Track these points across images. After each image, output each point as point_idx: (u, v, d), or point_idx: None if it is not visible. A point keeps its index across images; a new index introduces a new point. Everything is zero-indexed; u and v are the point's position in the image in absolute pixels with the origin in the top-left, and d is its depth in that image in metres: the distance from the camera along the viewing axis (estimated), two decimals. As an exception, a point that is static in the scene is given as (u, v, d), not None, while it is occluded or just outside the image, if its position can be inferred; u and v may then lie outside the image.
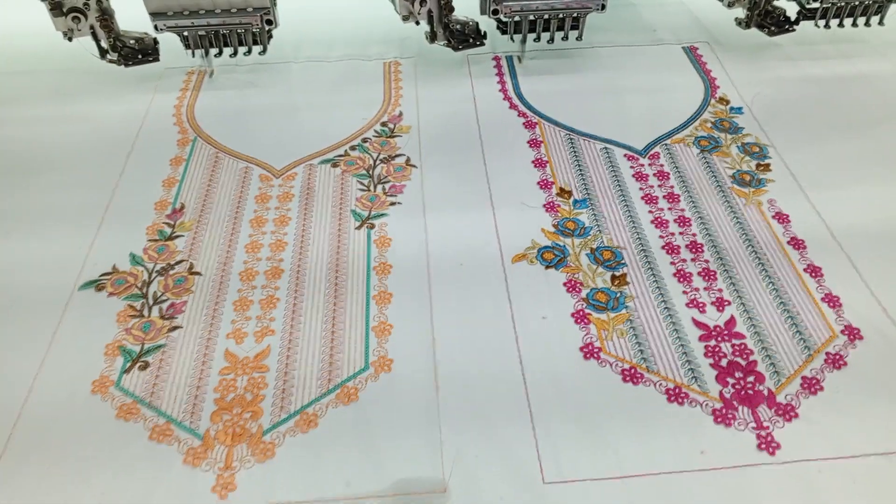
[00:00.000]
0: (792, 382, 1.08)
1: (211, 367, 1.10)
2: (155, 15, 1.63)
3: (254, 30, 1.68)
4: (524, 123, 1.63)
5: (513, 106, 1.69)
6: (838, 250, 1.29)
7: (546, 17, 1.72)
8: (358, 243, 1.31)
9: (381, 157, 1.52)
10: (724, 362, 1.10)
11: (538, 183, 1.45)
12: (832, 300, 1.20)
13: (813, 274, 1.24)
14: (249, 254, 1.29)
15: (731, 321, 1.17)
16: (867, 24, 1.85)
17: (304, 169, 1.49)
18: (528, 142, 1.57)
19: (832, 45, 1.89)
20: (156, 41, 1.71)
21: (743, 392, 1.06)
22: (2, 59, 1.87)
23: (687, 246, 1.30)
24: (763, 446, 0.99)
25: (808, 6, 1.82)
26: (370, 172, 1.47)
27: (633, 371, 1.09)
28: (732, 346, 1.13)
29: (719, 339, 1.14)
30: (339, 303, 1.20)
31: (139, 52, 1.70)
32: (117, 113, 1.66)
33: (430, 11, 1.69)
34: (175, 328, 1.16)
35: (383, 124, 1.62)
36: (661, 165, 1.49)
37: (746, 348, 1.12)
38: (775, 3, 1.83)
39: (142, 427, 1.02)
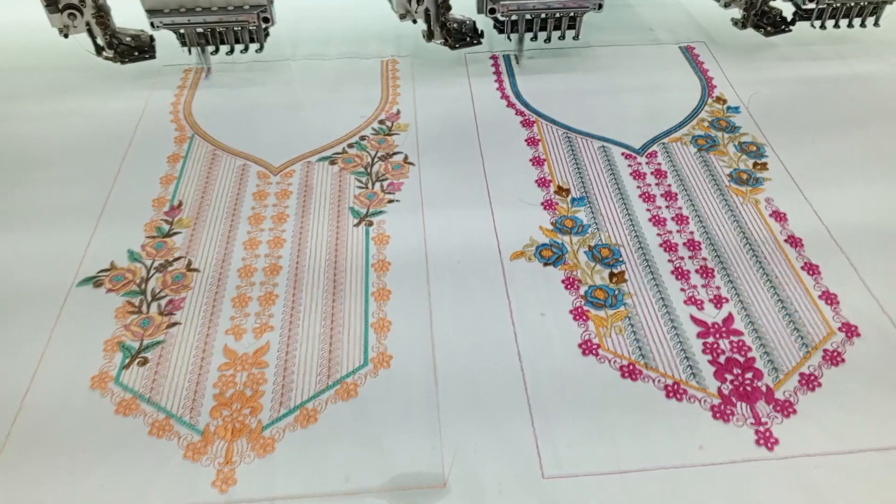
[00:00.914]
0: (790, 379, 1.08)
1: (210, 362, 1.10)
2: (151, 12, 1.63)
3: (251, 27, 1.68)
4: (522, 122, 1.63)
5: (510, 104, 1.69)
6: (835, 248, 1.29)
7: (543, 16, 1.73)
8: (356, 240, 1.31)
9: (379, 154, 1.52)
10: (722, 359, 1.11)
11: (536, 181, 1.45)
12: (829, 297, 1.20)
13: (810, 272, 1.25)
14: (248, 251, 1.29)
15: (729, 318, 1.17)
16: (862, 24, 1.86)
17: (302, 166, 1.49)
18: (526, 140, 1.57)
19: (828, 46, 1.90)
20: (152, 38, 1.71)
21: (741, 388, 1.07)
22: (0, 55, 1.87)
23: (685, 244, 1.31)
24: (761, 442, 1.00)
25: (804, 7, 1.83)
26: (368, 170, 1.47)
27: (631, 367, 1.10)
28: (730, 342, 1.13)
29: (717, 335, 1.14)
30: (337, 299, 1.20)
31: (135, 49, 1.70)
32: (115, 110, 1.66)
33: (427, 10, 1.69)
34: (174, 324, 1.16)
35: (381, 122, 1.62)
36: (659, 164, 1.49)
37: (744, 345, 1.13)
38: (772, 3, 1.84)
39: (141, 422, 1.02)
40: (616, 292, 1.21)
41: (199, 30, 1.68)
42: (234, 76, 1.80)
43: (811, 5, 1.82)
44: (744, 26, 1.85)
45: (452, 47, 1.75)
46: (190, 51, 1.73)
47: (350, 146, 1.54)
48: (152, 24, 1.64)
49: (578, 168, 1.48)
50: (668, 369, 1.09)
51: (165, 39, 1.71)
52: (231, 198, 1.41)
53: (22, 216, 1.37)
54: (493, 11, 1.70)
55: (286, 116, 1.66)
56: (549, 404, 1.05)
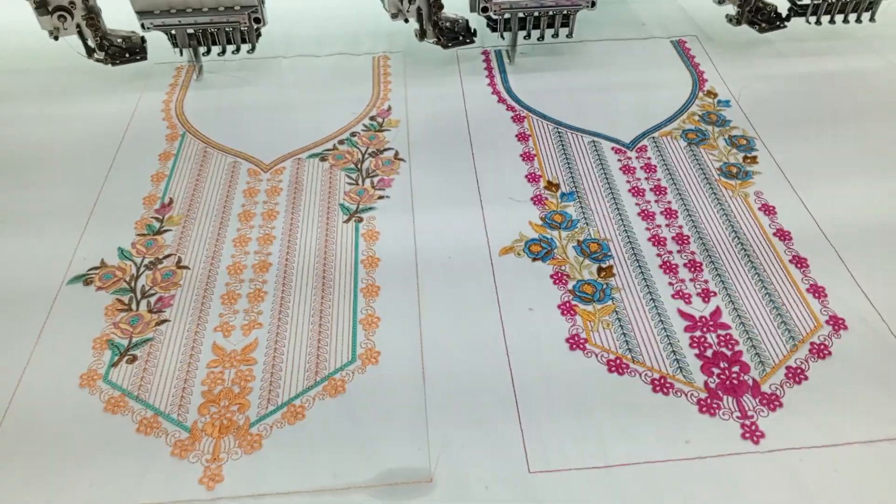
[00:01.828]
0: (777, 372, 1.08)
1: (198, 360, 1.10)
2: (142, 13, 1.62)
3: (242, 28, 1.68)
4: (512, 117, 1.63)
5: (501, 100, 1.69)
6: (824, 242, 1.29)
7: (536, 14, 1.72)
8: (346, 237, 1.31)
9: (370, 151, 1.52)
10: (709, 353, 1.11)
11: (526, 176, 1.45)
12: (817, 291, 1.21)
13: (798, 265, 1.25)
14: (237, 248, 1.29)
15: (716, 312, 1.17)
16: (858, 20, 1.85)
17: (293, 163, 1.49)
18: (517, 135, 1.57)
19: (823, 42, 1.90)
20: (143, 40, 1.71)
21: (728, 382, 1.07)
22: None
23: (673, 238, 1.31)
24: (747, 435, 1.00)
25: (799, 2, 1.82)
26: (359, 166, 1.48)
27: (618, 361, 1.10)
28: (718, 336, 1.14)
29: (705, 329, 1.15)
30: (326, 296, 1.20)
31: (126, 50, 1.69)
32: (106, 109, 1.66)
33: (419, 9, 1.69)
34: (163, 322, 1.16)
35: (372, 118, 1.62)
36: (649, 158, 1.49)
37: (732, 339, 1.13)
38: (766, -1, 1.84)
39: (129, 420, 1.03)
40: (604, 287, 1.22)
41: (190, 31, 1.67)
42: (226, 74, 1.80)
43: (806, 1, 1.81)
44: (738, 23, 1.85)
45: (445, 46, 1.75)
46: (181, 52, 1.73)
47: (341, 142, 1.54)
48: (143, 26, 1.64)
49: (568, 163, 1.48)
50: (655, 363, 1.10)
51: (158, 36, 1.71)
52: (221, 195, 1.41)
53: (12, 216, 1.37)
54: (485, 10, 1.70)
55: (277, 114, 1.66)
56: (537, 399, 1.05)
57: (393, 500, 0.94)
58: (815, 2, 1.80)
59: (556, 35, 1.78)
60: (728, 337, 1.13)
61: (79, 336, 1.14)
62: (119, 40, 1.68)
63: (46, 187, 1.44)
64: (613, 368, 1.09)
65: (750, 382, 1.07)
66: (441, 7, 1.69)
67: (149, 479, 0.96)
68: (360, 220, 1.35)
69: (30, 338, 1.14)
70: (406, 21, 1.72)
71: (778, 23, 1.84)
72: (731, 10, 1.85)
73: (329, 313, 1.17)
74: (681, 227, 1.33)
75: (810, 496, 0.93)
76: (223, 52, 1.72)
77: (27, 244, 1.31)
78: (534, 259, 1.27)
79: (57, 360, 1.11)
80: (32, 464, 0.98)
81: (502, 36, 1.78)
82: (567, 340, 1.13)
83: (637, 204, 1.38)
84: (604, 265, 1.26)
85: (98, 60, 1.68)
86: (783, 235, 1.31)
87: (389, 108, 1.66)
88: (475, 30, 1.78)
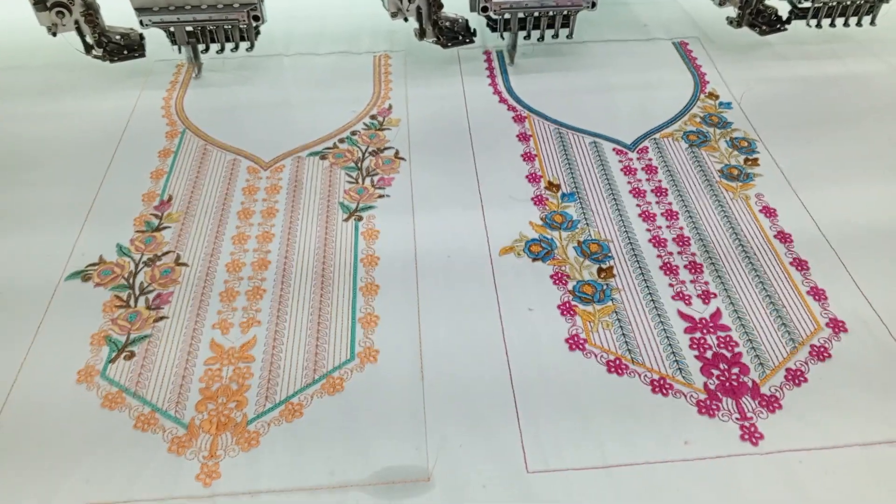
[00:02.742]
0: (776, 374, 1.08)
1: (196, 357, 1.10)
2: (140, 10, 1.62)
3: (241, 25, 1.67)
4: (513, 118, 1.63)
5: (502, 100, 1.69)
6: (825, 244, 1.29)
7: (536, 14, 1.72)
8: (345, 235, 1.31)
9: (370, 149, 1.52)
10: (709, 354, 1.11)
11: (526, 177, 1.45)
12: (818, 293, 1.20)
13: (799, 267, 1.25)
14: (236, 245, 1.29)
15: (716, 313, 1.17)
16: (858, 23, 1.85)
17: (293, 161, 1.49)
18: (517, 136, 1.57)
19: (823, 45, 1.90)
20: (142, 37, 1.70)
21: (727, 383, 1.07)
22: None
23: (674, 239, 1.30)
24: (746, 437, 1.00)
25: (799, 5, 1.82)
26: (359, 165, 1.47)
27: (617, 362, 1.10)
28: (717, 338, 1.13)
29: (704, 331, 1.14)
30: (325, 294, 1.20)
31: (125, 47, 1.69)
32: (105, 106, 1.66)
33: (418, 8, 1.69)
34: (161, 318, 1.16)
35: (372, 117, 1.62)
36: (650, 160, 1.49)
37: (731, 340, 1.13)
38: (767, 2, 1.83)
39: (127, 416, 1.02)
40: (604, 287, 1.21)
41: (189, 28, 1.67)
42: (227, 72, 1.80)
43: (807, 4, 1.81)
44: (739, 25, 1.84)
45: (445, 46, 1.74)
46: (180, 49, 1.72)
47: (341, 141, 1.54)
48: (141, 23, 1.64)
49: (569, 164, 1.48)
50: (655, 364, 1.09)
51: (158, 34, 1.70)
52: (221, 192, 1.41)
53: (11, 213, 1.37)
54: (485, 10, 1.69)
55: (277, 112, 1.66)
56: (535, 399, 1.05)
57: (391, 499, 0.93)
58: (816, 5, 1.80)
59: (556, 36, 1.77)
60: (728, 339, 1.13)
61: (76, 332, 1.14)
62: (117, 37, 1.68)
63: (45, 184, 1.43)
64: (613, 369, 1.09)
65: (749, 384, 1.06)
66: (440, 6, 1.69)
67: (146, 475, 0.95)
68: (360, 218, 1.35)
69: (27, 333, 1.14)
70: (406, 20, 1.72)
71: (778, 25, 1.84)
72: (732, 12, 1.85)
73: (328, 311, 1.17)
74: (681, 228, 1.33)
75: (809, 498, 0.93)
76: (222, 49, 1.72)
77: (26, 240, 1.30)
78: (534, 259, 1.27)
79: (54, 356, 1.10)
80: (29, 459, 0.97)
81: (502, 36, 1.78)
82: (566, 341, 1.13)
83: (638, 205, 1.38)
84: (604, 266, 1.25)
85: (96, 57, 1.68)
86: (784, 238, 1.30)
87: (390, 106, 1.66)
88: (475, 29, 1.78)
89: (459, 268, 1.25)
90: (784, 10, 1.84)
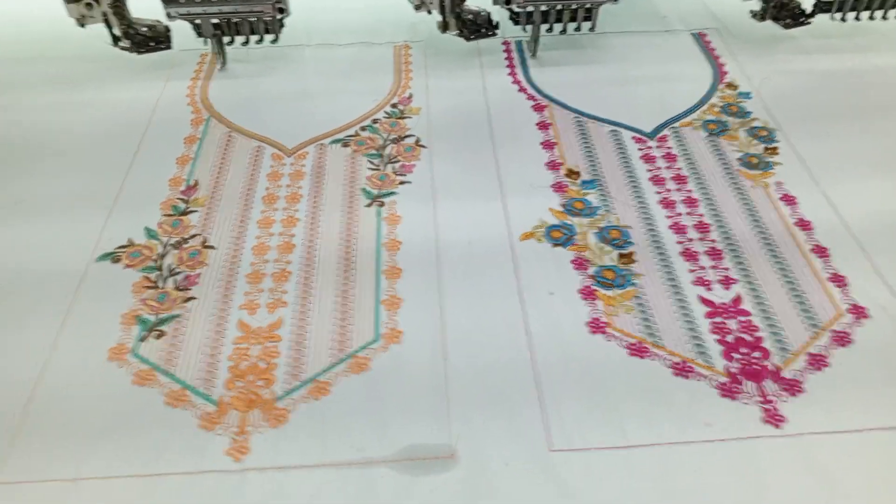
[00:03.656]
0: (798, 359, 1.09)
1: (225, 336, 1.12)
2: (167, 2, 1.64)
3: (266, 18, 1.69)
4: (533, 107, 1.64)
5: (522, 89, 1.70)
6: (845, 232, 1.30)
7: (559, 7, 1.73)
8: (368, 220, 1.33)
9: (392, 137, 1.54)
10: (730, 338, 1.12)
11: (546, 164, 1.46)
12: (838, 280, 1.21)
13: (819, 254, 1.26)
14: (262, 229, 1.31)
15: (737, 299, 1.18)
16: (884, 17, 1.84)
17: (316, 148, 1.51)
18: (537, 124, 1.58)
19: (847, 39, 1.88)
20: (168, 29, 1.72)
21: (749, 367, 1.08)
22: (18, 45, 1.89)
23: (694, 226, 1.31)
24: (768, 419, 1.01)
25: None
26: (380, 152, 1.49)
27: (639, 345, 1.11)
28: (739, 322, 1.14)
29: (726, 315, 1.15)
30: (349, 277, 1.21)
31: (151, 39, 1.71)
32: (132, 95, 1.69)
33: (442, 1, 1.70)
34: (189, 299, 1.18)
35: (393, 105, 1.64)
36: (670, 148, 1.50)
37: (752, 325, 1.14)
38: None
39: (157, 393, 1.05)
40: (625, 273, 1.23)
41: (215, 20, 1.68)
42: (249, 63, 1.82)
43: None
44: (762, 18, 1.83)
45: (468, 38, 1.75)
46: (205, 41, 1.74)
47: (363, 129, 1.56)
48: (168, 15, 1.66)
49: (589, 151, 1.49)
50: (676, 348, 1.10)
51: (183, 25, 1.72)
52: (246, 178, 1.43)
53: (42, 199, 1.39)
54: (508, 2, 1.70)
55: (300, 101, 1.68)
56: (557, 380, 1.06)
57: (415, 475, 0.95)
58: None
59: (578, 28, 1.78)
60: (749, 323, 1.14)
61: (107, 312, 1.16)
62: (144, 29, 1.70)
63: (74, 170, 1.46)
64: (634, 352, 1.10)
65: (771, 368, 1.07)
66: (464, -1, 1.70)
67: (176, 449, 0.98)
68: (382, 204, 1.36)
69: (60, 313, 1.16)
70: (429, 13, 1.73)
71: (803, 19, 1.83)
72: (756, 5, 1.84)
73: (352, 293, 1.19)
74: (701, 215, 1.34)
75: (829, 480, 0.94)
76: (247, 42, 1.74)
77: (57, 224, 1.33)
78: (554, 245, 1.28)
79: (86, 335, 1.13)
80: (63, 433, 1.00)
81: (524, 29, 1.79)
82: (588, 324, 1.14)
83: (658, 192, 1.39)
84: (624, 251, 1.26)
85: (123, 48, 1.70)
86: (804, 225, 1.31)
87: (411, 95, 1.67)
88: (497, 22, 1.78)
89: (480, 252, 1.27)
90: (808, 3, 1.84)
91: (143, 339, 1.12)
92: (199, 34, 1.72)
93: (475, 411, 1.02)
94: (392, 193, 1.39)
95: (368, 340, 1.11)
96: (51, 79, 1.76)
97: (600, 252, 1.26)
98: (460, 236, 1.30)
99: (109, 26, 1.66)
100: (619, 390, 1.05)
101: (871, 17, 1.84)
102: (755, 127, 1.55)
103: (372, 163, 1.46)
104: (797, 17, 1.83)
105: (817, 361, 1.08)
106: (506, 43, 1.89)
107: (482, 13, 1.75)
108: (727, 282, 1.21)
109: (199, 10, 1.65)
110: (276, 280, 1.21)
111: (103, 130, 1.57)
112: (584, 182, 1.41)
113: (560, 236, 1.29)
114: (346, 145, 1.51)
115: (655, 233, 1.30)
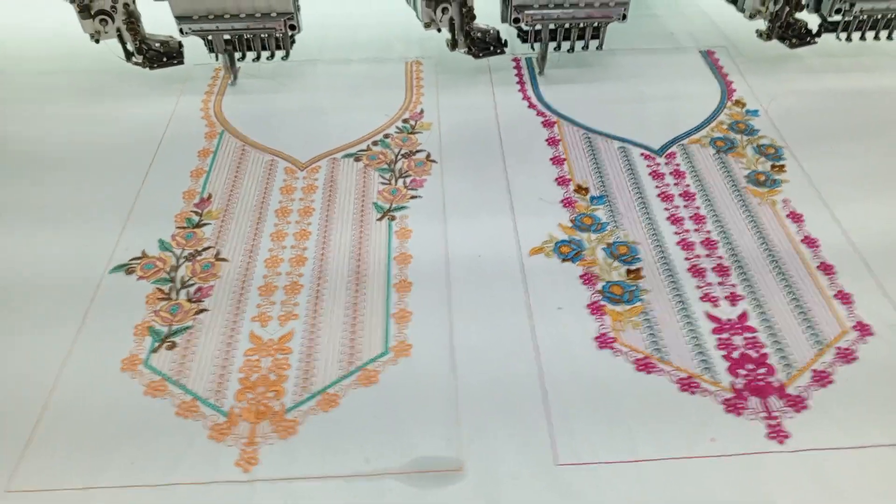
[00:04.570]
0: (803, 375, 1.10)
1: (236, 348, 1.14)
2: (180, 18, 1.66)
3: (277, 34, 1.72)
4: (542, 122, 1.66)
5: (531, 106, 1.72)
6: (851, 250, 1.31)
7: (567, 25, 1.75)
8: (379, 234, 1.35)
9: (403, 152, 1.56)
10: (735, 354, 1.13)
11: (556, 179, 1.48)
12: (844, 297, 1.22)
13: (825, 272, 1.26)
14: (275, 242, 1.33)
15: (743, 315, 1.19)
16: (889, 37, 1.85)
17: (328, 162, 1.53)
18: (547, 140, 1.60)
19: (853, 58, 1.90)
20: (181, 45, 1.75)
21: (754, 383, 1.08)
22: (36, 60, 1.92)
23: (702, 242, 1.32)
24: (773, 435, 1.02)
25: (830, 19, 1.83)
26: (392, 167, 1.51)
27: (646, 361, 1.12)
28: (745, 339, 1.15)
29: (732, 332, 1.16)
30: (360, 290, 1.23)
31: (164, 54, 1.73)
32: (146, 109, 1.71)
33: (451, 19, 1.72)
34: (202, 311, 1.20)
35: (405, 121, 1.66)
36: (678, 165, 1.51)
37: (758, 341, 1.15)
38: (797, 15, 1.83)
39: (169, 403, 1.06)
40: (633, 288, 1.24)
41: (227, 36, 1.71)
42: (262, 78, 1.84)
43: (837, 17, 1.81)
44: (768, 38, 1.85)
45: (476, 56, 1.77)
46: (217, 57, 1.77)
47: (374, 143, 1.58)
48: (181, 31, 1.68)
49: (598, 167, 1.51)
50: (683, 363, 1.11)
51: (196, 40, 1.75)
52: (259, 191, 1.45)
53: (58, 210, 1.42)
54: (517, 21, 1.72)
55: (312, 116, 1.70)
56: (565, 395, 1.07)
57: (424, 487, 0.96)
58: (846, 18, 1.80)
59: (585, 47, 1.80)
60: (755, 340, 1.15)
61: (120, 322, 1.18)
62: (157, 44, 1.72)
63: (89, 183, 1.48)
64: (642, 367, 1.11)
65: (776, 384, 1.08)
66: (473, 17, 1.72)
67: (187, 460, 0.99)
68: (393, 218, 1.38)
69: (74, 323, 1.18)
70: (439, 30, 1.75)
71: (808, 38, 1.85)
72: (762, 25, 1.85)
73: (362, 306, 1.20)
74: (709, 232, 1.35)
75: (834, 496, 0.94)
76: (258, 58, 1.76)
77: (71, 235, 1.35)
78: (563, 260, 1.29)
79: (99, 345, 1.15)
80: (76, 442, 1.01)
81: (532, 47, 1.81)
82: (596, 339, 1.15)
83: (666, 209, 1.40)
84: (632, 267, 1.28)
85: (136, 64, 1.73)
86: (810, 242, 1.32)
87: (422, 111, 1.69)
88: (506, 40, 1.80)
89: (490, 266, 1.28)
90: (814, 23, 1.85)
91: (155, 350, 1.13)
92: (211, 50, 1.74)
93: (483, 424, 1.03)
94: (403, 208, 1.41)
95: (378, 353, 1.13)
96: (69, 93, 1.79)
97: (608, 267, 1.28)
98: (470, 250, 1.32)
99: (123, 42, 1.69)
100: (626, 405, 1.06)
101: (877, 38, 1.85)
102: (763, 145, 1.57)
103: (383, 177, 1.48)
104: (803, 37, 1.84)
105: (822, 378, 1.09)
106: (515, 60, 1.91)
107: (491, 31, 1.77)
108: (734, 298, 1.22)
109: (211, 26, 1.68)
110: (288, 293, 1.23)
111: (119, 143, 1.60)
112: (593, 198, 1.43)
113: (569, 251, 1.31)
114: (357, 160, 1.53)
115: (663, 249, 1.31)
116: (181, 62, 1.76)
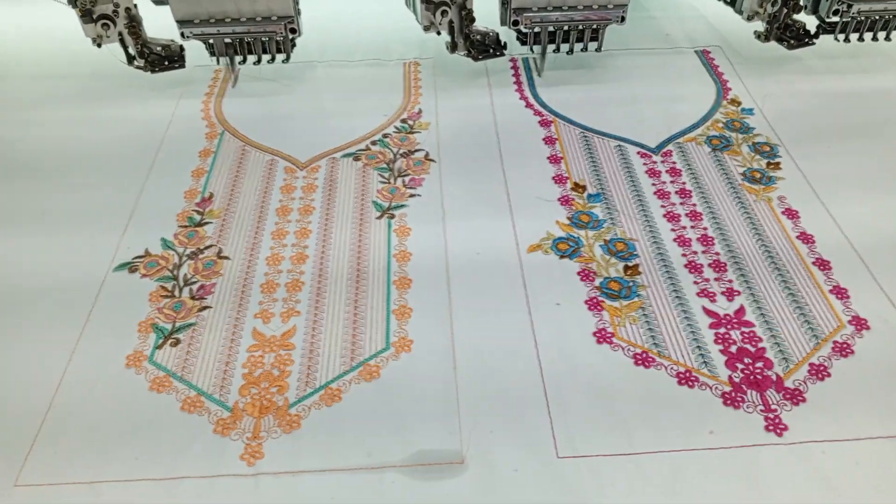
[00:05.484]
0: (800, 369, 1.11)
1: (239, 344, 1.15)
2: (182, 22, 1.67)
3: (277, 38, 1.73)
4: (539, 122, 1.67)
5: (529, 105, 1.74)
6: (847, 245, 1.32)
7: (566, 28, 1.76)
8: (379, 232, 1.36)
9: (401, 151, 1.57)
10: (733, 349, 1.14)
11: (553, 178, 1.49)
12: (840, 292, 1.23)
13: (821, 267, 1.28)
14: (275, 240, 1.34)
15: (740, 310, 1.20)
16: (887, 38, 1.87)
17: (328, 162, 1.54)
18: (544, 139, 1.61)
19: (850, 59, 1.91)
20: (182, 48, 1.76)
21: (752, 377, 1.10)
22: (39, 64, 1.94)
23: (698, 239, 1.34)
24: (770, 428, 1.03)
25: (827, 20, 1.84)
26: (390, 166, 1.52)
27: (644, 355, 1.13)
28: (742, 333, 1.16)
29: (729, 326, 1.18)
30: (360, 287, 1.24)
31: (165, 58, 1.75)
32: (147, 111, 1.73)
33: (450, 22, 1.73)
34: (205, 308, 1.21)
35: (403, 121, 1.67)
36: (674, 163, 1.53)
37: (755, 336, 1.16)
38: (794, 16, 1.85)
39: (174, 399, 1.07)
40: (630, 284, 1.25)
41: (228, 40, 1.72)
42: (262, 79, 1.85)
43: (835, 18, 1.82)
44: (767, 39, 1.86)
45: (476, 59, 1.78)
46: (218, 60, 1.77)
47: (373, 143, 1.59)
48: (182, 35, 1.69)
49: (595, 166, 1.52)
50: (681, 358, 1.13)
51: (197, 43, 1.76)
52: (259, 191, 1.46)
53: (61, 210, 1.43)
54: (516, 24, 1.74)
55: (312, 116, 1.71)
56: (564, 389, 1.08)
57: (425, 480, 0.97)
58: (844, 20, 1.81)
59: (584, 49, 1.81)
60: (752, 334, 1.16)
61: (124, 320, 1.19)
62: (158, 48, 1.74)
63: (92, 183, 1.50)
64: (640, 361, 1.12)
65: (773, 378, 1.09)
66: (472, 20, 1.73)
67: (192, 453, 1.00)
68: (392, 216, 1.39)
69: (79, 321, 1.19)
70: (438, 33, 1.76)
71: (806, 40, 1.86)
72: (760, 26, 1.86)
73: (363, 303, 1.21)
74: (705, 228, 1.36)
75: (831, 487, 0.96)
76: (258, 61, 1.77)
77: (75, 235, 1.36)
78: (561, 256, 1.31)
79: (104, 342, 1.16)
80: (82, 437, 1.03)
81: (531, 49, 1.82)
82: (594, 334, 1.17)
83: (662, 206, 1.42)
84: (630, 263, 1.29)
85: (138, 67, 1.74)
86: (806, 239, 1.33)
87: (420, 111, 1.71)
88: (505, 42, 1.82)
89: (488, 263, 1.29)
90: (812, 24, 1.86)
91: (159, 347, 1.15)
92: (212, 53, 1.75)
93: (484, 418, 1.05)
94: (402, 206, 1.42)
95: (379, 349, 1.14)
96: (72, 96, 1.80)
97: (606, 264, 1.29)
98: (469, 248, 1.33)
99: (125, 46, 1.70)
100: (624, 399, 1.07)
101: (875, 39, 1.86)
102: (758, 143, 1.58)
103: (382, 176, 1.50)
104: (801, 38, 1.86)
105: (819, 371, 1.11)
106: (513, 61, 1.92)
107: (490, 34, 1.79)
108: (731, 293, 1.23)
109: (212, 30, 1.69)
110: (290, 290, 1.24)
111: (121, 145, 1.61)
112: (590, 195, 1.44)
113: (567, 248, 1.32)
114: (357, 159, 1.54)
115: (660, 245, 1.33)
116: (182, 66, 1.77)
